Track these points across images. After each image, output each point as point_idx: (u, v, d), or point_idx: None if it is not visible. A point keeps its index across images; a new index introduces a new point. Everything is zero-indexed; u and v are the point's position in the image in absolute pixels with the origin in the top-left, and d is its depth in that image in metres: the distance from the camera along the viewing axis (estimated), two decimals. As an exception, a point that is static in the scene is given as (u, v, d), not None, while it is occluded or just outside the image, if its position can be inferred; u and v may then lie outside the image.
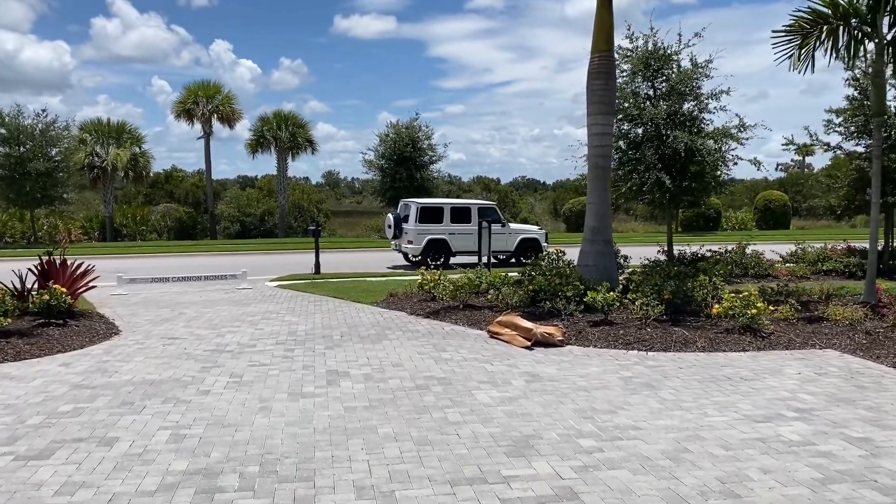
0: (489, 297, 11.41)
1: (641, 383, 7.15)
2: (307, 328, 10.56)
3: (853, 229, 50.67)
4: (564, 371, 7.64)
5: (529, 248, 23.03)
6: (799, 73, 11.08)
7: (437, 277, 12.65)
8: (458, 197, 42.95)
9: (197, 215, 41.87)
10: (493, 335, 9.48)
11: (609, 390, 6.89)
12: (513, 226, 24.01)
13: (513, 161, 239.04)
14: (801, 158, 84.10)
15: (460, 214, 22.25)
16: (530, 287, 11.03)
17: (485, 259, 17.43)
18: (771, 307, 9.91)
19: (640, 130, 17.66)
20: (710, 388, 6.95)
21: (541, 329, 8.96)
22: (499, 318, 9.70)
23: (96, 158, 35.97)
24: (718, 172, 17.51)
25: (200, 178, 47.75)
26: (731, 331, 9.24)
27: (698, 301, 10.13)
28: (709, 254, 18.37)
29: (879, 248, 15.78)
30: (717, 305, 9.40)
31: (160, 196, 46.82)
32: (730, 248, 18.82)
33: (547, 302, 10.28)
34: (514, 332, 9.20)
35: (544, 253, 13.58)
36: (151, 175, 44.59)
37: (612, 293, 9.72)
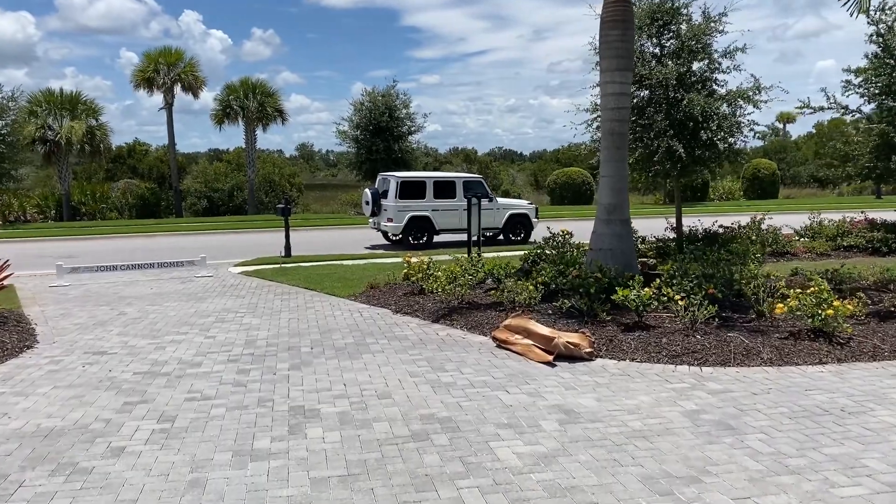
0: (492, 293, 9.47)
1: (714, 422, 5.31)
2: (270, 334, 8.60)
3: (841, 198, 49.59)
4: (607, 403, 5.77)
5: (518, 224, 21.21)
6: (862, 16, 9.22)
7: (425, 267, 10.72)
8: (436, 170, 40.86)
9: (161, 192, 39.40)
10: (502, 344, 7.60)
11: (676, 436, 5.03)
12: (500, 200, 22.08)
13: (489, 132, 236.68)
14: (780, 125, 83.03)
15: (444, 189, 20.33)
16: (539, 280, 9.15)
17: (475, 238, 15.56)
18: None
19: (644, 93, 15.73)
20: (811, 430, 5.12)
21: (564, 338, 7.08)
22: (506, 322, 7.82)
23: (49, 132, 33.33)
24: (733, 139, 15.68)
25: (166, 153, 45.12)
26: (798, 335, 7.42)
27: (748, 295, 8.30)
28: (721, 230, 16.60)
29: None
30: (780, 304, 7.56)
31: (122, 172, 44.17)
32: (742, 222, 17.06)
33: (565, 300, 8.38)
34: (528, 342, 7.32)
35: (550, 235, 11.69)
36: (112, 149, 41.94)
37: (647, 289, 7.84)
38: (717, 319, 7.89)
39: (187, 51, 37.20)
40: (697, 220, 16.58)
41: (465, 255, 15.14)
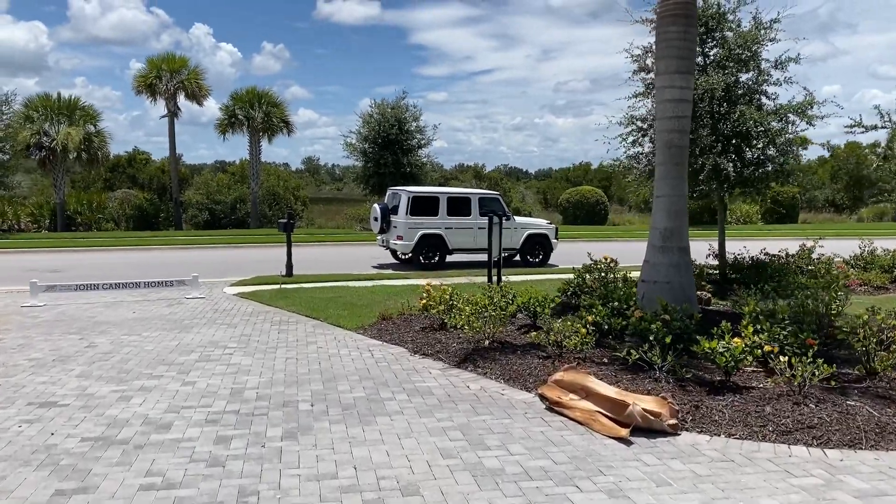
0: (531, 333, 7.83)
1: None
2: (262, 381, 7.01)
3: (860, 224, 47.94)
4: (720, 511, 4.16)
5: (537, 244, 19.65)
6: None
7: (447, 297, 9.13)
8: (441, 186, 39.37)
9: (162, 203, 37.93)
10: (555, 407, 5.99)
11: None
12: (518, 219, 20.46)
13: (494, 150, 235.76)
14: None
15: (459, 205, 18.79)
16: (589, 319, 7.55)
17: (495, 259, 14.04)
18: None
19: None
20: None
21: (639, 404, 5.47)
22: (557, 376, 6.22)
23: (45, 137, 31.90)
24: (785, 158, 14.12)
25: (168, 163, 43.69)
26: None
27: (856, 347, 6.67)
28: (765, 257, 14.97)
29: None
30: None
31: (122, 181, 42.71)
32: (790, 249, 15.44)
33: (631, 350, 6.74)
34: (590, 406, 5.72)
35: (592, 262, 10.10)
36: (111, 157, 40.55)
37: (738, 340, 6.21)
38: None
39: (194, 60, 35.46)
40: (743, 248, 14.93)
41: (487, 281, 13.71)
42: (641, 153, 14.51)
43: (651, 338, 6.64)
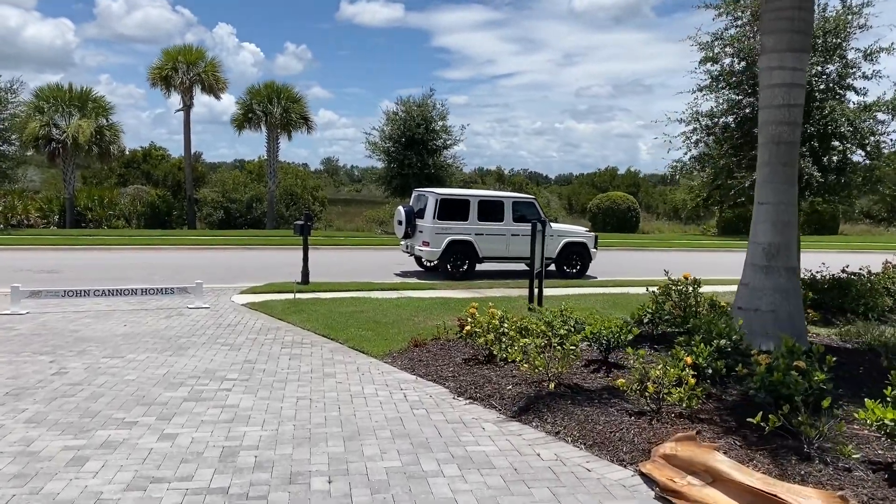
0: (619, 382, 5.98)
1: None
2: (263, 437, 5.32)
3: (901, 237, 45.58)
4: None
5: (575, 254, 17.86)
6: None
7: (496, 322, 7.41)
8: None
9: (175, 200, 36.53)
10: (668, 495, 4.26)
11: None
12: (555, 226, 18.64)
13: (513, 154, 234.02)
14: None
15: (490, 210, 17.09)
16: (687, 360, 5.77)
17: (537, 270, 12.38)
18: None
19: (753, 100, 12.33)
20: None
21: (806, 507, 3.74)
22: (666, 449, 4.50)
23: (55, 130, 30.56)
24: (877, 163, 12.27)
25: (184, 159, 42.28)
26: None
27: None
28: (844, 276, 13.06)
29: None
30: None
31: (136, 178, 41.37)
32: (871, 267, 13.56)
33: (771, 417, 4.83)
34: (722, 500, 3.99)
35: (670, 282, 8.31)
36: (127, 152, 39.27)
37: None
38: None
39: (217, 59, 33.98)
40: (822, 264, 13.05)
41: (529, 297, 12.03)
42: (707, 154, 12.76)
43: (796, 397, 4.86)
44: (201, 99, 33.79)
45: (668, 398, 5.29)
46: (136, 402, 6.17)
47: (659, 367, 5.41)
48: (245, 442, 5.22)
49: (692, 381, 5.28)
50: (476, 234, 16.70)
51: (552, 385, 6.23)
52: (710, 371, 5.91)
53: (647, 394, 5.35)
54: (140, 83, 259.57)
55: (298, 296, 12.61)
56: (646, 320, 7.80)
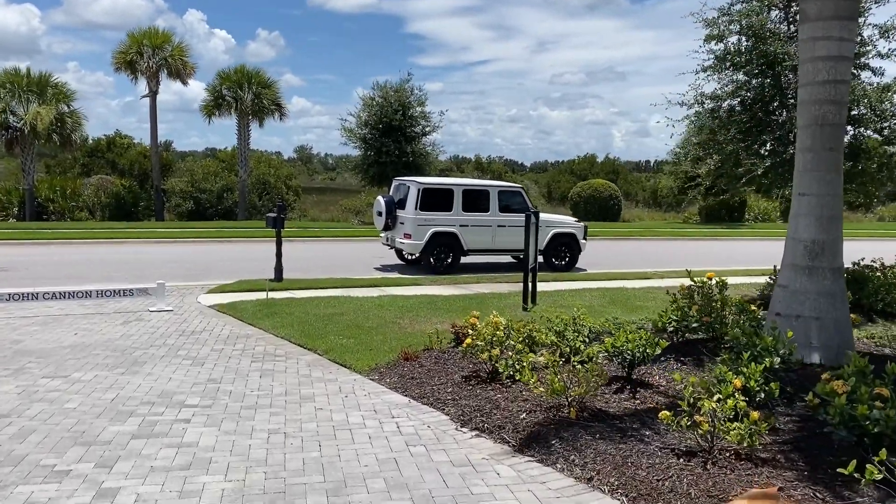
0: (662, 414, 4.92)
1: None
2: (226, 493, 4.26)
3: (882, 223, 45.20)
4: None
5: (563, 246, 16.97)
6: None
7: (501, 333, 6.40)
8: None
9: (143, 191, 34.96)
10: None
11: None
12: (542, 216, 17.67)
13: (489, 141, 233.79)
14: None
15: (476, 200, 16.14)
16: (735, 382, 4.81)
17: (531, 265, 11.52)
18: None
19: (765, 80, 11.42)
20: None
21: None
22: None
23: (12, 117, 28.94)
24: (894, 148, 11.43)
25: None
26: None
27: None
28: (856, 268, 12.06)
29: None
30: None
31: (101, 167, 39.62)
32: (884, 258, 12.65)
33: (878, 471, 3.78)
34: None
35: (698, 283, 7.34)
36: (88, 140, 37.63)
37: None
38: None
39: (187, 46, 32.46)
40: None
41: (523, 297, 11.10)
42: (712, 139, 11.86)
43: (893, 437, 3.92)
44: (172, 86, 32.31)
45: (729, 437, 4.31)
46: (73, 441, 5.08)
47: (712, 398, 4.43)
48: (204, 498, 4.17)
49: (755, 414, 4.30)
50: (461, 226, 15.76)
51: (573, 412, 5.25)
52: (762, 395, 4.96)
53: (699, 433, 4.38)
54: (109, 71, 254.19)
55: (271, 295, 11.54)
56: (670, 328, 6.84)
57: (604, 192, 39.24)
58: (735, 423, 4.36)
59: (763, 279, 12.17)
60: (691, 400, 4.52)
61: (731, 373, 4.91)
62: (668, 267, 16.82)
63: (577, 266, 17.01)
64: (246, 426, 5.45)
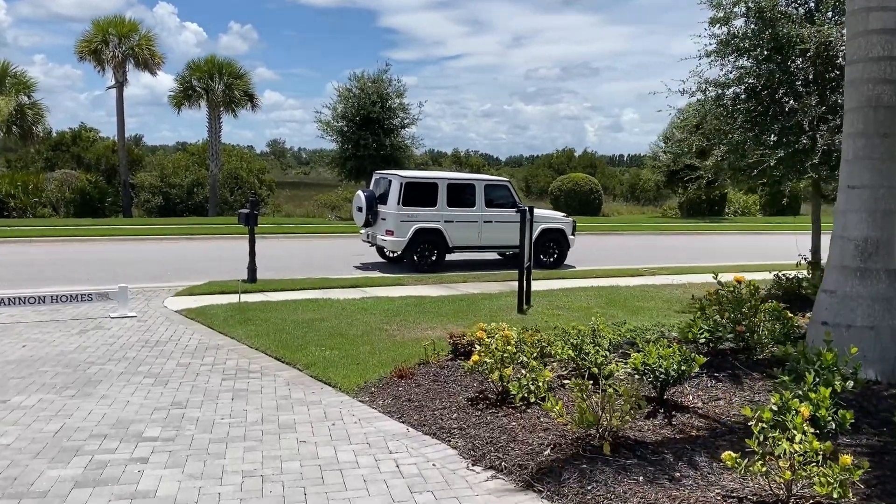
0: (731, 458, 4.00)
1: None
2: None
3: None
4: None
5: (552, 242, 16.23)
6: None
7: (512, 349, 5.54)
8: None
9: (110, 186, 33.59)
10: None
11: None
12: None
13: (463, 136, 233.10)
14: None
15: (461, 194, 15.36)
16: (805, 413, 4.01)
17: (527, 264, 10.73)
18: None
19: (769, 67, 10.69)
20: None
21: None
22: None
23: (-32, 109, 27.48)
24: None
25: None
26: None
27: None
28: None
29: None
30: None
31: (65, 161, 38.11)
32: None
33: None
34: None
35: (722, 290, 6.53)
36: (53, 133, 36.22)
37: None
38: None
39: (157, 39, 31.17)
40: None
41: (518, 300, 10.29)
42: (718, 129, 11.11)
43: None
44: (142, 80, 31.01)
45: (822, 491, 3.48)
46: (2, 495, 4.14)
47: (784, 434, 3.61)
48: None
49: (845, 458, 3.49)
50: (445, 222, 14.95)
51: (606, 446, 4.41)
52: (832, 425, 4.17)
53: (778, 480, 3.56)
54: (77, 64, 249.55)
55: (244, 298, 10.61)
56: (701, 340, 6.02)
57: (584, 187, 38.62)
58: (814, 466, 3.54)
59: (764, 275, 11.48)
60: (761, 438, 3.70)
61: (795, 400, 4.10)
62: (655, 263, 16.15)
63: (565, 262, 16.27)
64: (215, 467, 4.54)
